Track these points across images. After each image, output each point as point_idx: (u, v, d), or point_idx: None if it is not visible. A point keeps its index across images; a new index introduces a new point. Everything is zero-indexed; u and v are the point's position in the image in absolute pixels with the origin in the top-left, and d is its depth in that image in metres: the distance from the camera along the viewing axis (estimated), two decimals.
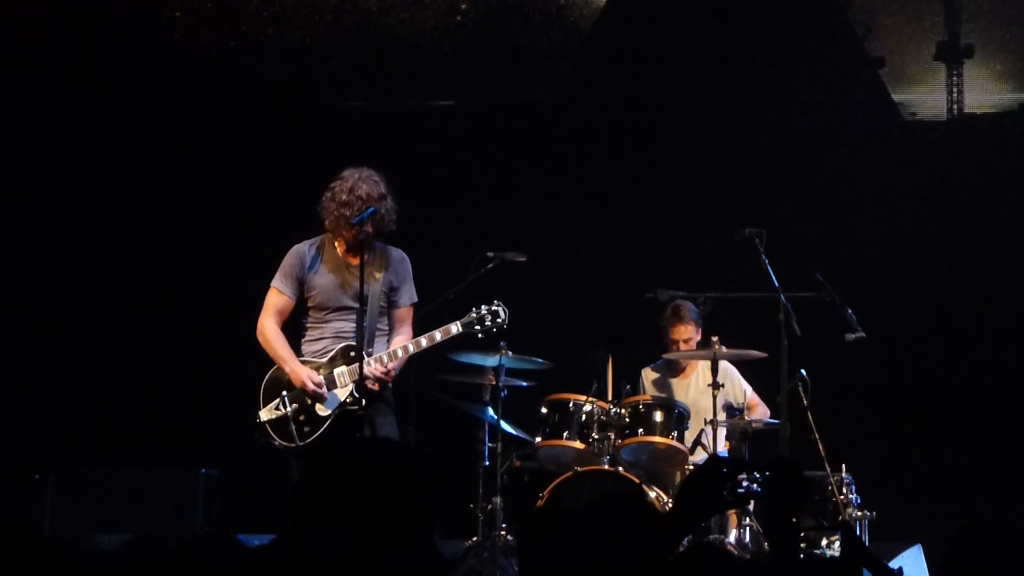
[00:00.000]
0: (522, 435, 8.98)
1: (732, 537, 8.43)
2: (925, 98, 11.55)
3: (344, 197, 7.83)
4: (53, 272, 11.06)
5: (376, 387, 7.87)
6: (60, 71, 11.07)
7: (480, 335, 8.10)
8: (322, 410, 7.95)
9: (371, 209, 7.82)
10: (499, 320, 8.03)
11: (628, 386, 9.34)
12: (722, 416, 9.01)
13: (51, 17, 10.99)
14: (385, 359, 7.87)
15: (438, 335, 7.98)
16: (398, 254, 8.13)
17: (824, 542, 8.32)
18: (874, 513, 8.49)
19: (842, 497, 8.42)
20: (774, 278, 8.78)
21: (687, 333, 9.36)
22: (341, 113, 11.45)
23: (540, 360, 8.81)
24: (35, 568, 3.59)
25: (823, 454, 8.47)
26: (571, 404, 8.78)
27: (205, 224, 11.24)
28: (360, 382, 7.86)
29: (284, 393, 7.98)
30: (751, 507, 8.16)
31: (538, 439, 8.82)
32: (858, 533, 8.32)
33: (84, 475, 9.91)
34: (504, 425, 8.85)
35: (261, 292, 8.33)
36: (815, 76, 11.15)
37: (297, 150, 11.24)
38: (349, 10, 11.50)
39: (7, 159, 11.04)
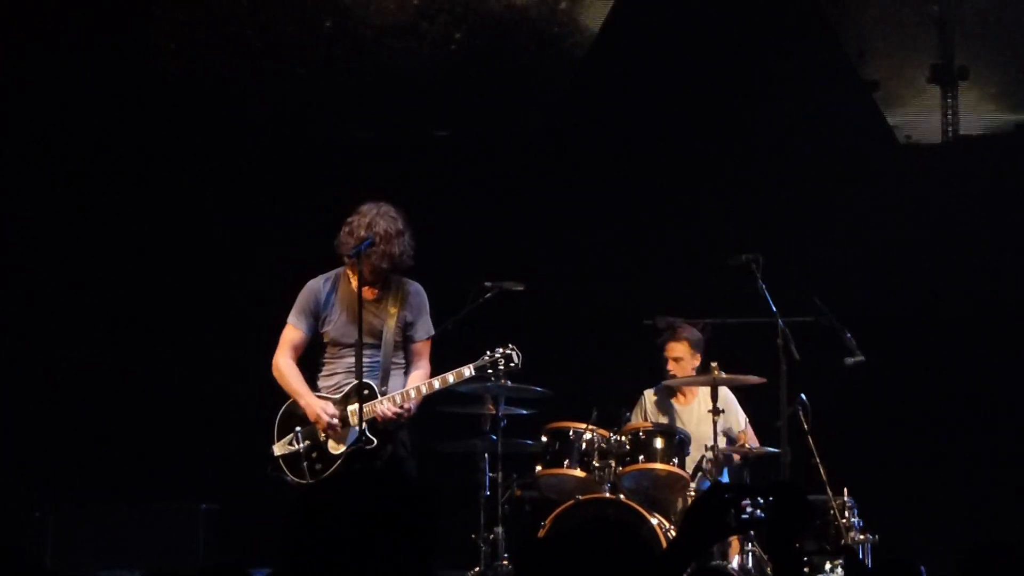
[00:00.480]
0: (526, 442, 8.97)
1: (735, 563, 8.45)
2: (920, 121, 11.58)
3: (362, 233, 7.84)
4: (52, 308, 11.00)
5: (380, 419, 7.90)
6: (52, 100, 11.02)
7: (493, 378, 8.16)
8: (334, 448, 7.98)
9: (368, 241, 7.86)
10: (512, 364, 8.07)
11: (628, 414, 9.36)
12: (722, 442, 9.03)
13: (41, 48, 10.94)
14: (398, 399, 7.91)
15: (451, 378, 8.00)
16: (414, 287, 8.16)
17: (828, 566, 8.16)
18: (877, 537, 8.47)
19: (844, 521, 8.39)
20: (771, 303, 8.80)
21: (676, 351, 9.41)
22: (336, 143, 11.42)
23: (539, 388, 8.79)
24: None
25: (824, 478, 8.43)
26: (571, 432, 8.78)
27: (204, 258, 11.19)
28: (361, 420, 7.86)
29: (297, 429, 8.03)
30: (752, 532, 8.17)
31: (539, 468, 8.82)
32: (861, 557, 8.35)
33: (84, 511, 9.93)
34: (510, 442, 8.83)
35: (263, 326, 8.42)
36: (809, 101, 11.18)
37: (292, 182, 11.22)
38: (343, 41, 11.45)
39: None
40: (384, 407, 7.86)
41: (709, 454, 8.85)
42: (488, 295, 8.64)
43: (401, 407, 7.87)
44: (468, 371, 7.99)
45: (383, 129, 11.39)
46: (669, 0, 11.24)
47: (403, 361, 8.16)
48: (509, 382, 8.54)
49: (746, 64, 11.22)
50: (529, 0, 11.46)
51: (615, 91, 11.42)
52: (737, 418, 9.45)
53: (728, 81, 11.23)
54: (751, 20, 11.16)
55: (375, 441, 7.86)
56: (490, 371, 8.04)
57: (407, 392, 7.92)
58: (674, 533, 8.14)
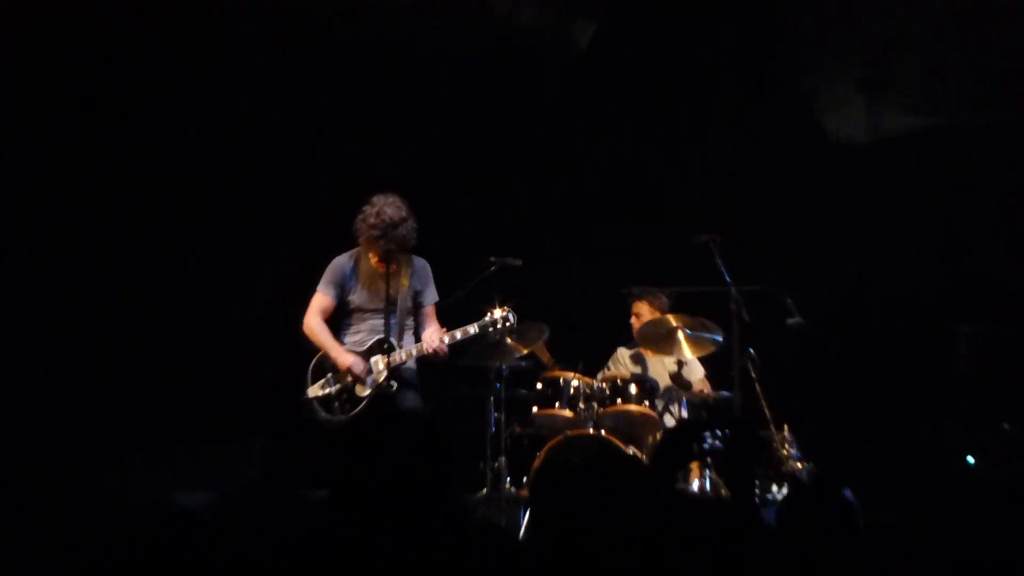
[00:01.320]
0: (523, 393, 9.49)
1: (695, 486, 8.75)
2: (846, 123, 11.76)
3: (373, 220, 8.72)
4: (110, 273, 11.09)
5: (428, 350, 8.61)
6: (44, 89, 10.78)
7: (493, 336, 8.80)
8: (361, 391, 8.74)
9: (392, 224, 8.77)
10: (509, 323, 8.71)
11: (610, 366, 10.02)
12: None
13: (25, 38, 10.62)
14: (446, 339, 8.67)
15: (458, 335, 8.66)
16: (421, 262, 9.02)
17: (774, 488, 8.75)
18: (812, 464, 8.89)
19: (785, 452, 8.90)
20: (726, 274, 9.23)
21: (637, 308, 9.96)
22: (343, 126, 11.46)
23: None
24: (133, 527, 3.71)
25: (769, 417, 8.98)
26: (562, 380, 9.39)
27: (247, 232, 11.40)
28: (389, 366, 8.67)
29: (329, 375, 8.79)
30: (710, 460, 8.18)
31: (535, 408, 9.38)
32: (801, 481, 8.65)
33: (161, 445, 10.13)
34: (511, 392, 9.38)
35: (294, 290, 9.09)
36: (755, 112, 11.48)
37: (306, 162, 11.45)
38: (343, 27, 11.16)
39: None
40: (435, 343, 8.60)
41: (673, 406, 9.43)
42: (492, 268, 9.18)
43: (441, 345, 8.61)
44: (473, 329, 8.62)
45: (389, 120, 11.42)
46: (644, 22, 11.33)
47: (413, 323, 8.92)
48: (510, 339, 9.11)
49: (709, 80, 11.49)
50: (525, 15, 11.44)
51: (600, 96, 11.63)
52: (693, 369, 9.97)
53: (691, 94, 11.47)
54: (714, 37, 11.39)
55: (395, 385, 8.64)
56: (491, 329, 8.63)
57: (442, 338, 8.61)
58: (647, 462, 8.38)
